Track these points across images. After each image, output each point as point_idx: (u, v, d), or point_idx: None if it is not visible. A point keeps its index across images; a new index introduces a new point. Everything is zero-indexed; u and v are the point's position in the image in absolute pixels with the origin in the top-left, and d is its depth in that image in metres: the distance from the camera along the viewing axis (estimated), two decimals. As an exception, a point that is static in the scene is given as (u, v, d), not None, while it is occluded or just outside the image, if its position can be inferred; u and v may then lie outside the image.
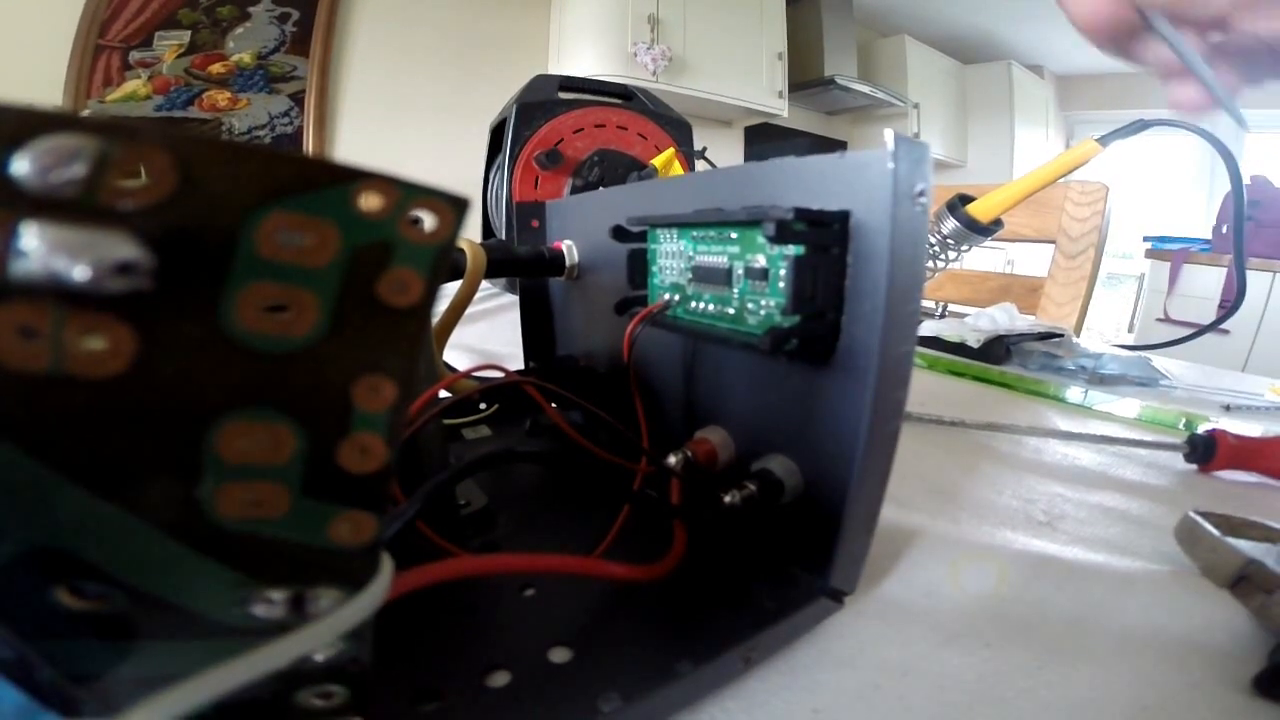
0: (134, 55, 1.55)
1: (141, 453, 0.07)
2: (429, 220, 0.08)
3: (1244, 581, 0.19)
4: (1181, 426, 0.38)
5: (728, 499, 0.17)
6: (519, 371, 0.27)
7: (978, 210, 0.46)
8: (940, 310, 1.07)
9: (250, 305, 0.07)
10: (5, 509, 0.07)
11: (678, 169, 0.63)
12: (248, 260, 0.07)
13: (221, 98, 1.61)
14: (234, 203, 0.07)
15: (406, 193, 0.07)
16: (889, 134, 0.13)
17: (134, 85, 1.55)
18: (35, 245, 0.06)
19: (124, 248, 0.06)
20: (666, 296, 0.21)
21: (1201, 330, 0.65)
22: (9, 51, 1.40)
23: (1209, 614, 0.19)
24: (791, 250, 0.15)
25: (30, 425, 0.07)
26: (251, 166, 0.07)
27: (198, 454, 0.07)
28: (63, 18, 1.48)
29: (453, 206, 0.08)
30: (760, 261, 0.17)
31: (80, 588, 0.08)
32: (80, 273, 0.06)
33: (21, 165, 0.06)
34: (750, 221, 0.17)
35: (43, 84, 1.45)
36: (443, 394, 0.22)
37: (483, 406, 0.29)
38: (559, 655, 0.15)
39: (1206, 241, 1.62)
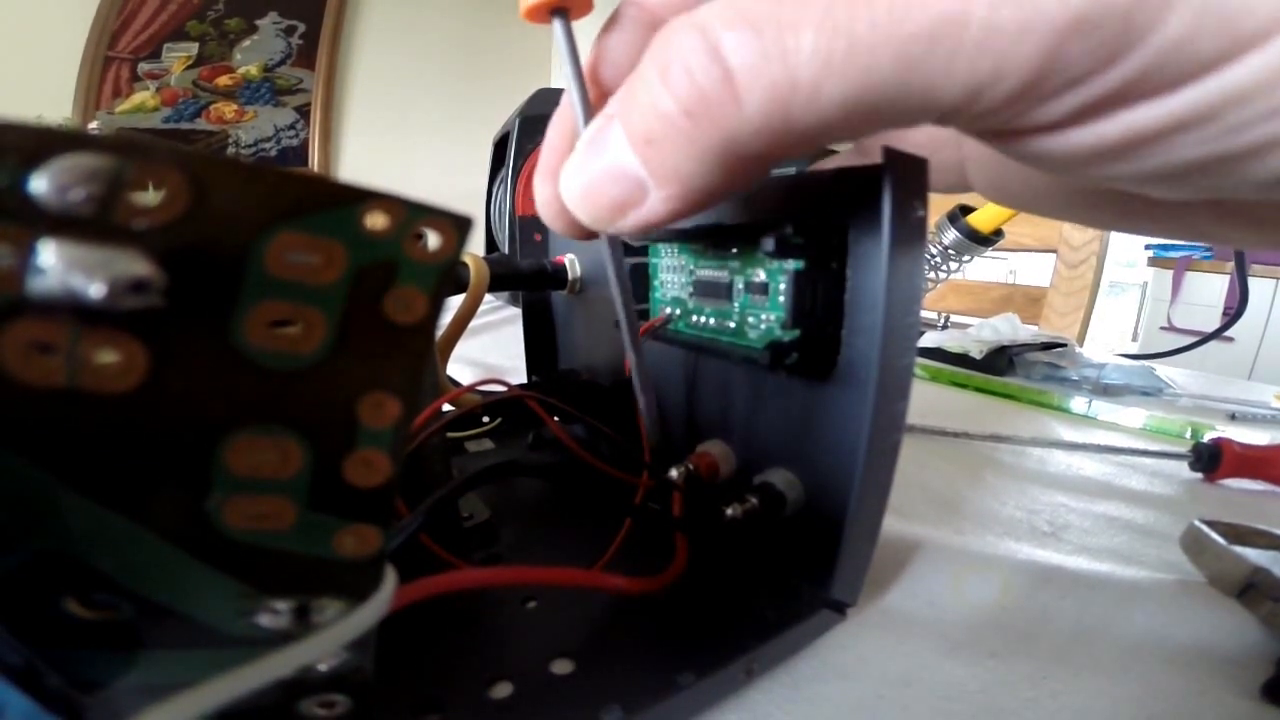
0: (143, 67, 1.57)
1: (152, 466, 0.07)
2: (433, 239, 0.08)
3: (1251, 589, 0.19)
4: (1187, 435, 0.38)
5: (729, 512, 0.17)
6: (521, 385, 0.27)
7: (978, 221, 0.46)
8: (943, 321, 1.07)
9: (259, 323, 0.07)
10: (17, 519, 0.07)
11: (680, 181, 0.64)
12: (257, 279, 0.07)
13: (229, 110, 1.63)
14: (245, 222, 0.07)
15: (411, 212, 0.08)
16: (883, 149, 0.13)
17: (142, 97, 1.57)
18: (53, 263, 0.06)
19: (138, 266, 0.06)
20: (668, 310, 0.21)
21: (1205, 338, 0.65)
22: (20, 62, 1.42)
23: (1216, 622, 0.18)
24: (791, 265, 0.16)
25: (45, 438, 0.07)
26: (262, 186, 0.07)
27: (207, 468, 0.07)
28: (73, 29, 1.50)
29: (456, 226, 0.08)
30: (760, 276, 0.17)
31: (89, 597, 0.08)
32: (96, 290, 0.06)
33: (40, 184, 0.06)
34: (750, 236, 0.17)
35: (52, 95, 1.46)
36: (446, 408, 0.22)
37: (485, 420, 0.29)
38: (561, 667, 0.15)
39: (1208, 249, 1.62)
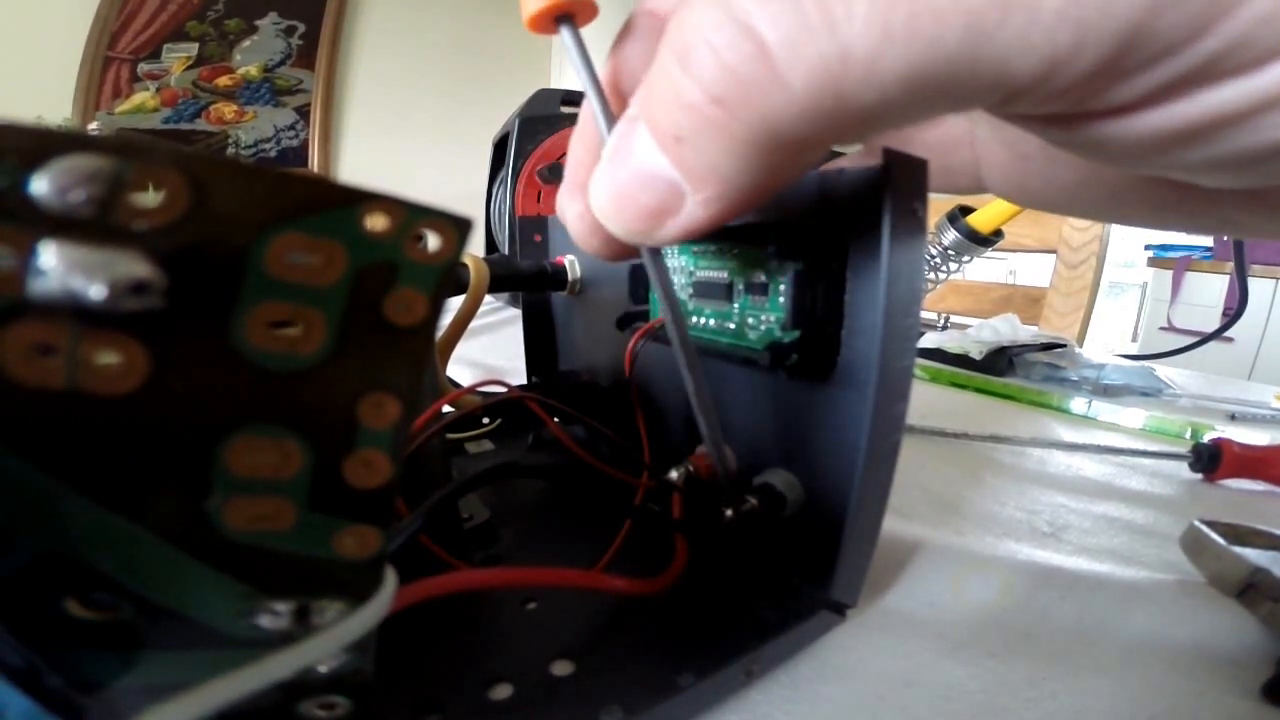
0: (142, 67, 1.57)
1: (153, 467, 0.07)
2: (433, 240, 0.08)
3: (1251, 590, 0.19)
4: (1186, 436, 0.38)
5: (729, 513, 0.17)
6: (521, 386, 0.27)
7: (978, 221, 0.46)
8: (942, 322, 1.07)
9: (259, 324, 0.07)
10: (19, 521, 0.07)
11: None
12: (257, 280, 0.07)
13: (228, 110, 1.63)
14: (245, 223, 0.07)
15: (411, 213, 0.08)
16: (884, 150, 0.13)
17: (142, 97, 1.57)
18: (53, 264, 0.06)
19: (138, 267, 0.06)
20: (668, 310, 0.21)
21: (1205, 339, 0.65)
22: (20, 62, 1.42)
23: (1216, 622, 0.19)
24: (791, 265, 0.16)
25: (47, 440, 0.07)
26: (262, 187, 0.07)
27: (207, 468, 0.07)
28: (73, 29, 1.50)
29: (456, 227, 0.08)
30: (760, 277, 0.17)
31: (90, 598, 0.08)
32: (96, 292, 0.06)
33: (41, 185, 0.06)
34: (750, 237, 0.17)
35: (52, 95, 1.47)
36: (446, 409, 0.22)
37: (485, 421, 0.29)
38: (561, 668, 0.15)
39: (1208, 249, 1.62)
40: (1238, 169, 0.09)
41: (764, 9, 0.08)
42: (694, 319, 0.20)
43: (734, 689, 0.15)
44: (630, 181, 0.10)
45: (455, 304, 0.26)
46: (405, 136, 1.77)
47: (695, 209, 0.10)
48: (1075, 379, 0.49)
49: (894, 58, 0.08)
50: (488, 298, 0.28)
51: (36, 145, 0.06)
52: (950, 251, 0.48)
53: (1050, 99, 0.09)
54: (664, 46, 0.09)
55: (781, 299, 0.16)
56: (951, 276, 0.51)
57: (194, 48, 1.62)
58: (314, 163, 1.66)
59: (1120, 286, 2.08)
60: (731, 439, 0.20)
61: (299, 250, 0.07)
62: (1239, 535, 0.21)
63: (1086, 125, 0.10)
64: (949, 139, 0.17)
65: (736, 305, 0.18)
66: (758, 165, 0.09)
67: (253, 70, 1.65)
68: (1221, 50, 0.08)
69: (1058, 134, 0.10)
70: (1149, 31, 0.08)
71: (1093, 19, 0.08)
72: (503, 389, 0.25)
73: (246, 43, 1.65)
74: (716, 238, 0.18)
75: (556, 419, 0.24)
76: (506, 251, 0.68)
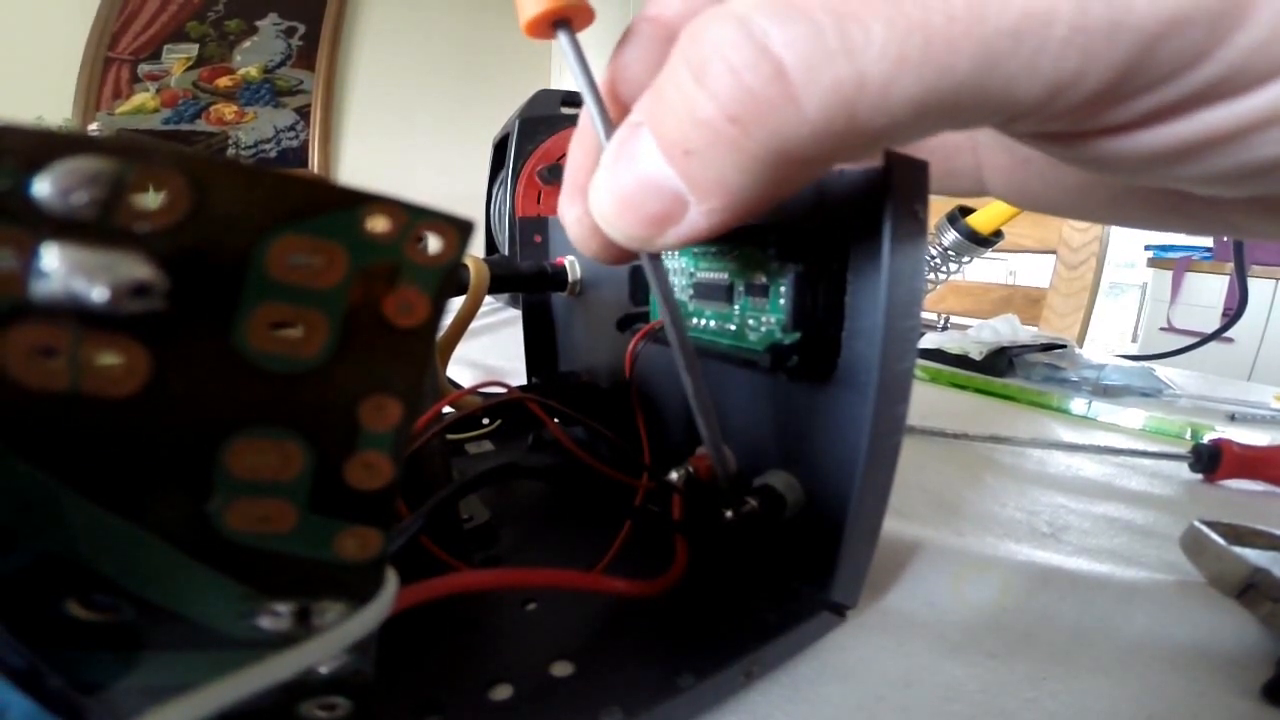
0: (143, 68, 1.57)
1: (154, 469, 0.07)
2: (434, 242, 0.08)
3: (1251, 590, 0.19)
4: (1186, 436, 0.38)
5: (729, 514, 0.17)
6: (521, 387, 0.27)
7: (978, 222, 0.46)
8: (942, 322, 1.07)
9: (261, 326, 0.07)
10: (21, 522, 0.07)
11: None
12: (259, 282, 0.07)
13: (229, 111, 1.64)
14: (247, 225, 0.07)
15: (413, 215, 0.08)
16: (885, 151, 0.13)
17: (143, 98, 1.57)
18: (56, 266, 0.06)
19: (140, 269, 0.06)
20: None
21: (1205, 339, 0.65)
22: (20, 63, 1.42)
23: (1216, 623, 0.19)
24: (791, 267, 0.16)
25: (48, 442, 0.07)
26: (264, 189, 0.07)
27: (209, 470, 0.07)
28: (73, 29, 1.50)
29: (457, 229, 0.08)
30: (761, 278, 0.17)
31: (91, 599, 0.08)
32: (99, 294, 0.06)
33: (43, 187, 0.06)
34: (751, 238, 0.17)
35: (53, 96, 1.47)
36: (446, 410, 0.22)
37: (485, 422, 0.29)
38: (561, 669, 0.15)
39: (1208, 249, 1.62)
40: (1236, 181, 0.10)
41: (782, 31, 0.08)
42: (694, 320, 0.20)
43: (734, 690, 0.15)
44: (632, 188, 0.10)
45: (455, 305, 0.26)
46: (405, 137, 1.77)
47: (697, 218, 0.10)
48: (1075, 379, 0.49)
49: (907, 83, 0.08)
50: (488, 298, 0.28)
51: (38, 147, 0.06)
52: (950, 252, 0.48)
53: (1052, 119, 0.09)
54: (677, 58, 0.09)
55: (782, 300, 0.16)
56: (951, 277, 0.51)
57: (194, 48, 1.62)
58: (314, 163, 1.66)
59: (1120, 287, 2.08)
60: (731, 440, 0.20)
61: (300, 252, 0.07)
62: (1239, 535, 0.21)
63: (1086, 142, 0.10)
64: (951, 143, 0.17)
65: (737, 307, 0.18)
66: (764, 180, 0.10)
67: (253, 71, 1.65)
68: (1219, 76, 0.08)
69: (1058, 150, 0.11)
70: (1151, 59, 0.08)
71: (1098, 46, 0.08)
72: (503, 390, 0.25)
73: (247, 43, 1.65)
74: (717, 240, 0.18)
75: (556, 420, 0.24)
76: (506, 252, 0.68)
